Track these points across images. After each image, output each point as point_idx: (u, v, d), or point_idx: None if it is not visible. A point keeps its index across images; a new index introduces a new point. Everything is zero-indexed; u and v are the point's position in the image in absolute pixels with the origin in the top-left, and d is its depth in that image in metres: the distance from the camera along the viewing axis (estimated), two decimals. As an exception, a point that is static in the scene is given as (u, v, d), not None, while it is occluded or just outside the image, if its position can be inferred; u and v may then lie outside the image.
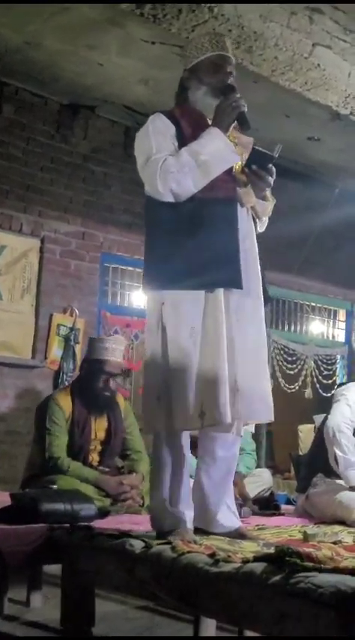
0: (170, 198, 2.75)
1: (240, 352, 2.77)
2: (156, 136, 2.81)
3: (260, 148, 2.83)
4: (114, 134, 6.49)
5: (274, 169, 2.84)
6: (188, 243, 2.75)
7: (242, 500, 4.10)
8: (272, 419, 2.87)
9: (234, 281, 2.77)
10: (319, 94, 5.13)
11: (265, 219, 3.03)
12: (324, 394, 7.89)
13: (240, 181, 2.85)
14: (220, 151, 2.76)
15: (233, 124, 2.83)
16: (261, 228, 3.04)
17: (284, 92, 5.20)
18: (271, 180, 2.84)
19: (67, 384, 5.48)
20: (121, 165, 6.49)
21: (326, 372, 8.01)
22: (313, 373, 7.85)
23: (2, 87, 5.85)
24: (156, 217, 2.85)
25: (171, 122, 2.83)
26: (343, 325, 8.49)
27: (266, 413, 2.86)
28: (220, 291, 2.76)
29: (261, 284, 2.91)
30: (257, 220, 2.98)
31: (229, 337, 2.75)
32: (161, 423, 2.75)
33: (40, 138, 6.06)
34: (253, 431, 3.51)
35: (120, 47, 5.19)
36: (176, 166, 2.72)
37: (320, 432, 4.20)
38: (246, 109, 2.80)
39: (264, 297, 2.92)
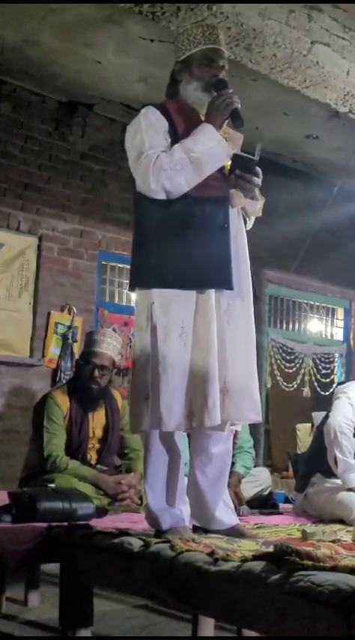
0: (162, 196, 2.72)
1: (229, 353, 2.75)
2: (148, 130, 2.76)
3: (240, 153, 2.81)
4: (112, 132, 6.48)
5: (259, 170, 2.80)
6: (179, 243, 2.72)
7: (237, 502, 4.04)
8: (260, 420, 2.85)
9: (225, 282, 2.74)
10: (318, 92, 5.13)
11: (253, 218, 3.01)
12: (322, 393, 7.90)
13: (230, 182, 2.81)
14: (214, 149, 2.73)
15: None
16: (248, 226, 3.01)
17: (283, 90, 5.20)
18: (257, 181, 2.80)
19: (64, 382, 5.47)
20: (119, 163, 6.47)
21: (324, 371, 8.01)
22: (311, 372, 7.85)
23: (0, 85, 5.83)
24: (146, 215, 2.81)
25: (164, 116, 2.78)
26: (341, 324, 8.49)
27: (255, 414, 2.83)
28: (211, 292, 2.74)
29: (250, 284, 2.89)
30: (248, 220, 2.97)
31: (219, 338, 2.73)
32: (147, 423, 2.72)
33: (38, 136, 6.05)
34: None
35: (118, 45, 5.18)
36: (169, 164, 2.67)
37: (319, 431, 4.19)
38: (239, 106, 2.76)
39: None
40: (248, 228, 3.00)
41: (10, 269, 5.78)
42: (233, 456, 3.62)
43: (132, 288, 2.90)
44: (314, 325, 8.25)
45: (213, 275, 2.73)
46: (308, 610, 1.91)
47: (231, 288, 2.75)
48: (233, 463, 4.31)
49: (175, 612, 3.72)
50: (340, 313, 8.51)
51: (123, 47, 5.20)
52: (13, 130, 5.90)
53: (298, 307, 8.06)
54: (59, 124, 6.18)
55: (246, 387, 2.80)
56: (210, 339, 2.69)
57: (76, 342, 5.93)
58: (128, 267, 6.57)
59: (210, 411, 2.64)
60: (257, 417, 2.83)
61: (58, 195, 6.11)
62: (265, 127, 5.46)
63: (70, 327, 5.97)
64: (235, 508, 3.15)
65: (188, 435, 3.14)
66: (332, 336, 8.45)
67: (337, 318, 8.50)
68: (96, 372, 4.14)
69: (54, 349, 5.92)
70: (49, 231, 6.02)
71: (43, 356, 5.88)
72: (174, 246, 2.72)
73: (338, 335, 8.47)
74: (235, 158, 2.79)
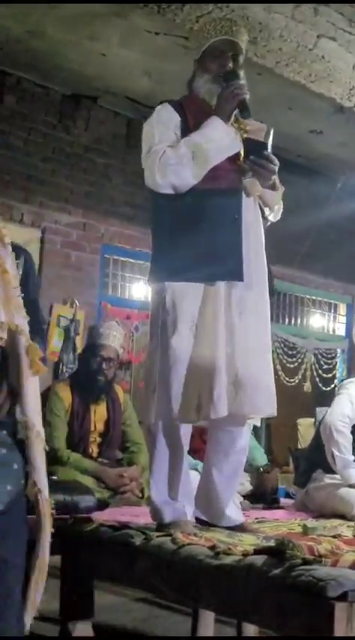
0: (169, 190, 2.73)
1: (241, 345, 2.73)
2: (159, 126, 2.78)
3: (251, 137, 2.79)
4: (116, 125, 6.47)
5: (273, 157, 2.76)
6: (189, 236, 2.73)
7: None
8: (275, 413, 2.82)
9: (235, 273, 2.73)
10: (323, 86, 5.11)
11: (277, 208, 2.97)
12: (324, 388, 7.90)
13: (245, 171, 2.79)
14: (219, 141, 2.73)
15: (235, 112, 2.79)
16: (275, 217, 2.99)
17: (288, 84, 5.18)
18: (273, 167, 2.77)
19: (66, 375, 5.48)
20: (123, 156, 6.47)
21: (326, 366, 8.01)
22: (313, 367, 7.85)
23: (4, 77, 5.82)
24: (159, 210, 2.83)
25: (177, 112, 2.79)
26: (343, 319, 8.49)
27: (269, 407, 2.81)
28: (221, 284, 2.73)
29: (266, 276, 2.87)
30: (267, 210, 2.93)
31: (231, 330, 2.72)
32: (152, 414, 2.74)
33: (42, 128, 6.03)
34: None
35: (123, 38, 5.16)
36: (174, 158, 2.68)
37: (318, 426, 4.19)
38: (247, 96, 2.75)
39: (269, 289, 2.89)
40: (273, 220, 2.98)
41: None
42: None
43: (148, 282, 2.93)
44: (317, 320, 8.24)
45: (223, 267, 2.72)
46: (309, 604, 1.92)
47: (241, 280, 2.73)
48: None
49: (176, 605, 3.73)
50: (342, 309, 8.50)
51: (128, 40, 5.18)
52: (16, 122, 5.89)
53: (300, 302, 8.05)
54: (63, 117, 6.16)
55: (261, 380, 2.77)
56: (217, 332, 2.69)
57: (78, 335, 5.93)
58: (130, 260, 6.67)
59: (215, 404, 2.64)
60: (272, 410, 2.81)
61: (62, 188, 6.10)
62: (269, 121, 5.36)
63: (72, 320, 5.97)
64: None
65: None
66: (334, 331, 8.44)
67: (339, 314, 8.49)
68: (104, 365, 4.17)
69: (56, 342, 5.92)
70: (52, 224, 6.02)
71: (45, 349, 5.87)
72: (184, 239, 2.73)
73: (340, 330, 8.46)
74: (247, 143, 2.77)
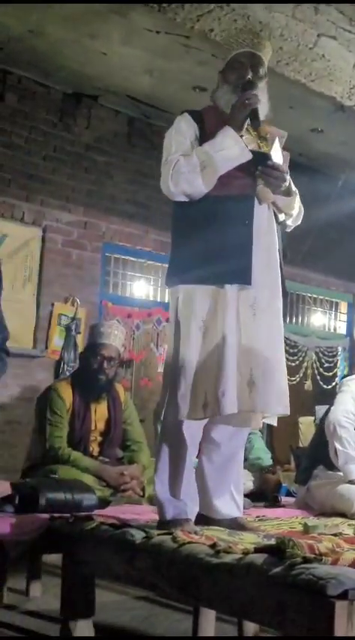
0: (182, 198, 2.85)
1: (255, 346, 2.81)
2: (177, 136, 2.90)
3: (254, 149, 2.85)
4: (117, 124, 6.47)
5: (279, 165, 2.84)
6: (200, 240, 2.83)
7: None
8: (288, 413, 2.88)
9: (243, 277, 2.80)
10: (323, 85, 5.12)
11: (296, 213, 3.05)
12: (325, 386, 7.90)
13: (259, 179, 2.86)
14: (229, 150, 2.80)
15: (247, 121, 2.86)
16: (295, 221, 3.08)
17: (289, 83, 5.18)
18: (279, 174, 2.84)
19: (67, 374, 5.48)
20: (124, 155, 6.47)
21: (327, 365, 8.01)
22: (314, 365, 7.84)
23: (5, 75, 5.82)
24: (176, 216, 2.97)
25: (196, 122, 2.91)
26: (344, 317, 8.48)
27: (282, 407, 2.87)
28: (232, 287, 2.81)
29: (280, 279, 2.94)
30: (281, 215, 2.99)
31: (244, 331, 2.80)
32: (168, 412, 2.83)
33: (43, 127, 6.03)
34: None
35: (124, 36, 5.16)
36: (186, 167, 2.79)
37: (322, 424, 4.20)
38: (259, 106, 2.83)
39: (282, 292, 2.96)
40: (291, 224, 3.07)
41: (13, 260, 5.78)
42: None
43: (165, 285, 3.05)
44: (318, 319, 8.24)
45: (231, 270, 2.79)
46: (310, 603, 1.92)
47: (249, 283, 2.80)
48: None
49: (176, 604, 3.73)
50: (343, 307, 8.50)
51: (128, 39, 5.18)
52: (17, 120, 5.89)
53: (301, 301, 8.05)
54: (64, 115, 6.16)
55: (274, 379, 2.83)
56: (227, 333, 2.76)
57: (80, 333, 5.94)
58: (132, 259, 6.69)
59: (220, 401, 2.70)
60: (285, 410, 2.87)
61: (63, 186, 6.10)
62: (270, 120, 5.43)
63: (73, 319, 5.97)
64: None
65: None
66: (335, 329, 8.44)
67: (340, 312, 8.49)
68: (105, 364, 4.17)
69: (57, 341, 5.92)
70: (53, 223, 6.02)
71: (46, 347, 5.88)
72: (196, 243, 2.83)
73: (342, 329, 8.46)
74: (253, 155, 2.84)
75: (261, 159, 2.82)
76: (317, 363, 7.90)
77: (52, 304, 5.94)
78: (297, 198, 3.03)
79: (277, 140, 2.88)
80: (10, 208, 5.79)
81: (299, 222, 3.10)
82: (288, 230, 3.08)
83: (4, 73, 5.81)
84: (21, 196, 5.85)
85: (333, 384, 7.99)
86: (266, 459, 4.78)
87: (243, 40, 2.93)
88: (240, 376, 2.76)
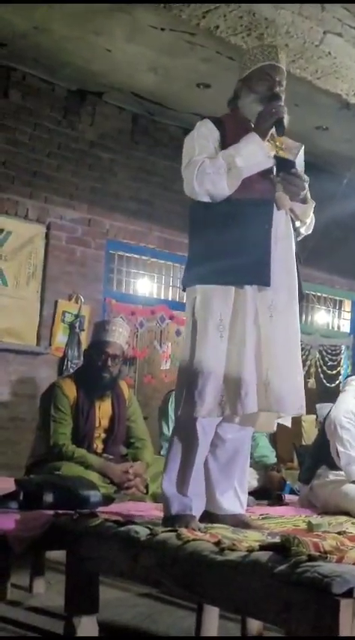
0: (206, 198, 2.89)
1: (271, 347, 2.87)
2: (199, 140, 2.96)
3: (279, 155, 2.94)
4: (121, 121, 6.46)
5: (301, 174, 2.96)
6: (220, 242, 2.89)
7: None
8: (303, 412, 2.94)
9: (262, 278, 2.86)
10: (329, 83, 5.11)
11: (309, 221, 3.14)
12: (328, 385, 7.89)
13: (278, 185, 2.95)
14: (254, 155, 2.88)
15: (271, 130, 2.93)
16: (307, 230, 3.17)
17: (294, 81, 5.15)
18: (301, 183, 2.95)
19: (71, 371, 5.48)
20: (128, 152, 6.47)
21: (330, 363, 8.00)
22: (317, 363, 7.84)
23: (9, 72, 5.82)
24: (196, 217, 3.02)
25: (217, 127, 2.98)
26: (348, 316, 8.47)
27: (297, 406, 2.92)
28: (251, 288, 2.87)
29: (296, 282, 3.00)
30: (298, 222, 3.07)
31: (261, 332, 2.86)
32: (180, 409, 2.87)
33: (47, 124, 6.03)
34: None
35: (129, 33, 5.15)
36: (212, 168, 2.84)
37: (322, 422, 4.19)
38: (284, 116, 2.92)
39: (299, 295, 3.01)
40: (304, 232, 3.16)
41: (17, 257, 5.78)
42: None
43: (183, 285, 3.09)
44: (321, 317, 8.23)
45: (251, 272, 2.86)
46: (314, 601, 1.92)
47: (268, 285, 2.86)
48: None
49: (180, 601, 3.73)
50: (347, 305, 8.49)
51: (133, 35, 5.18)
52: (22, 117, 5.88)
53: (305, 299, 8.02)
54: (68, 112, 6.16)
55: (289, 379, 2.90)
56: (246, 333, 2.83)
57: (83, 330, 5.93)
58: (135, 256, 6.69)
59: (243, 400, 2.77)
60: (300, 409, 2.93)
61: (67, 183, 6.10)
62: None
63: (77, 316, 5.97)
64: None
65: None
66: (338, 328, 8.43)
67: (344, 310, 8.48)
68: (110, 362, 4.18)
69: (61, 338, 5.92)
70: (57, 220, 6.01)
71: (50, 344, 5.89)
72: (216, 245, 2.89)
73: (345, 327, 8.45)
74: (277, 160, 2.93)
75: (285, 165, 2.93)
76: (321, 361, 7.89)
77: (56, 301, 5.94)
78: (313, 206, 3.12)
79: (301, 150, 3.02)
80: (14, 205, 5.79)
81: (310, 232, 3.20)
82: (299, 238, 3.15)
83: (9, 69, 5.80)
84: (25, 193, 5.85)
85: (337, 382, 7.98)
86: (271, 457, 4.79)
87: (269, 53, 3.04)
88: (256, 376, 2.82)
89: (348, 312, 8.48)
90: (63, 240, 6.05)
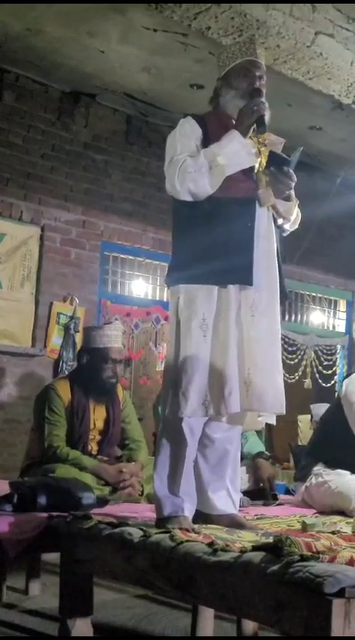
0: (188, 197, 2.87)
1: (253, 346, 2.87)
2: (181, 138, 2.94)
3: (277, 152, 2.94)
4: (115, 122, 6.46)
5: (292, 174, 2.92)
6: (203, 241, 2.87)
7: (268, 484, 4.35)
8: (284, 412, 2.94)
9: (245, 278, 2.85)
10: (321, 83, 5.11)
11: (294, 218, 3.11)
12: (324, 384, 7.90)
13: (260, 182, 2.93)
14: (236, 153, 2.86)
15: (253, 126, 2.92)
16: (292, 226, 3.14)
17: (287, 81, 5.18)
18: (290, 182, 2.93)
19: (66, 372, 5.48)
20: (122, 153, 6.47)
21: (326, 363, 8.01)
22: (313, 363, 7.84)
23: (3, 74, 5.82)
24: (178, 216, 3.01)
25: (199, 125, 2.96)
26: (343, 315, 8.48)
27: (278, 406, 2.92)
28: (233, 287, 2.86)
29: (278, 282, 2.99)
30: (280, 220, 3.04)
31: (243, 332, 2.87)
32: (166, 410, 2.87)
33: (41, 125, 6.03)
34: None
35: (122, 34, 5.16)
36: (194, 167, 2.83)
37: (323, 422, 4.20)
38: (266, 113, 2.89)
39: (281, 295, 3.01)
40: (289, 229, 3.13)
41: (12, 259, 5.78)
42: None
43: (166, 284, 3.10)
44: (317, 317, 8.24)
45: (234, 271, 2.85)
46: (307, 601, 1.92)
47: (251, 284, 2.85)
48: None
49: (175, 602, 3.74)
50: (342, 305, 8.49)
51: (126, 37, 5.18)
52: (15, 119, 5.88)
53: (300, 299, 8.04)
54: (62, 114, 6.16)
55: (270, 379, 2.90)
56: (228, 333, 2.83)
57: (78, 332, 5.93)
58: (130, 257, 6.69)
59: (226, 400, 2.77)
60: (280, 409, 2.93)
61: (61, 185, 6.10)
62: (269, 117, 5.44)
63: (72, 318, 5.97)
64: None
65: None
66: (334, 327, 8.44)
67: (339, 310, 8.48)
68: (116, 367, 4.24)
69: (56, 339, 5.92)
70: (51, 221, 6.01)
71: (45, 346, 5.89)
72: (199, 244, 2.88)
73: (341, 327, 8.46)
74: (272, 155, 2.92)
75: (279, 162, 2.91)
76: (317, 361, 7.90)
77: (51, 303, 5.94)
78: (296, 204, 3.10)
79: (297, 152, 2.98)
80: (9, 207, 5.78)
81: (296, 227, 3.16)
82: (285, 234, 3.14)
83: (2, 71, 5.81)
84: (19, 195, 5.85)
85: (332, 382, 7.99)
86: (259, 448, 4.77)
87: (247, 49, 3.02)
88: (239, 375, 2.83)
89: (343, 311, 8.48)
90: (57, 242, 6.05)
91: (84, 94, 6.21)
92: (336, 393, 4.86)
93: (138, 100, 6.22)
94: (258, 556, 2.13)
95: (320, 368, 7.90)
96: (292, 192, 3.02)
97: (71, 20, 5.01)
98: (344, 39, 4.73)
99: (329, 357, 8.10)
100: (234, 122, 2.94)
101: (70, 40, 5.29)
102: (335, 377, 8.07)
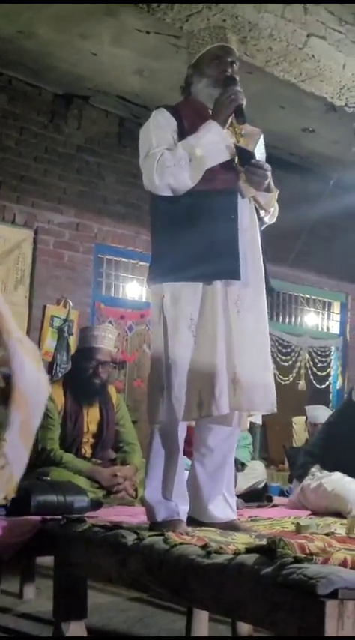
0: (167, 192, 2.77)
1: (239, 343, 2.78)
2: (156, 130, 2.83)
3: (240, 146, 2.84)
4: (108, 124, 6.47)
5: (263, 163, 2.83)
6: (187, 236, 2.77)
7: None
8: (275, 410, 2.85)
9: (232, 272, 2.77)
10: (313, 85, 5.12)
11: (272, 210, 3.02)
12: (318, 386, 7.91)
13: (241, 173, 2.84)
14: (216, 144, 2.78)
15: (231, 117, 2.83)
16: (271, 219, 3.04)
17: (279, 83, 5.19)
18: (263, 172, 2.82)
19: (60, 375, 5.47)
20: (115, 155, 6.47)
21: (320, 364, 8.01)
22: (307, 365, 7.84)
23: (-5, 77, 5.83)
24: (158, 212, 2.88)
25: (173, 116, 2.85)
26: (337, 317, 8.49)
27: (268, 404, 2.84)
28: (219, 283, 2.77)
29: (263, 275, 2.91)
30: (262, 212, 2.96)
31: (229, 329, 2.77)
32: (163, 414, 2.77)
33: (34, 128, 6.03)
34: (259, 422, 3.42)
35: (114, 37, 5.16)
36: (172, 160, 2.73)
37: (329, 425, 4.18)
38: (243, 102, 2.81)
39: (266, 289, 2.93)
40: (268, 221, 3.03)
41: (5, 262, 5.77)
42: None
43: (147, 283, 2.96)
44: (311, 319, 8.24)
45: (220, 266, 2.75)
46: (300, 602, 1.92)
47: (238, 279, 2.76)
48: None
49: (170, 604, 3.73)
50: (336, 306, 8.50)
51: (119, 39, 5.18)
52: (8, 122, 5.88)
53: (294, 300, 8.04)
54: (55, 116, 6.16)
55: (258, 377, 2.81)
56: (216, 330, 2.73)
57: (72, 335, 5.93)
58: (124, 259, 6.67)
59: (217, 401, 2.68)
60: (271, 407, 2.84)
61: (54, 187, 6.10)
62: (261, 119, 5.38)
63: (65, 321, 5.97)
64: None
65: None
66: (328, 329, 8.44)
67: (333, 312, 8.49)
68: (100, 368, 4.17)
69: (50, 342, 5.92)
70: (44, 224, 6.01)
71: (39, 349, 5.87)
72: (182, 239, 2.77)
73: (335, 328, 8.47)
74: (237, 151, 2.82)
75: (244, 156, 2.81)
76: (311, 363, 7.90)
77: (45, 306, 5.94)
78: (276, 195, 2.99)
79: (261, 138, 2.90)
80: (2, 210, 5.78)
81: (274, 220, 3.06)
82: (262, 227, 3.01)
83: (-5, 74, 5.81)
84: (12, 198, 5.84)
85: (326, 384, 8.00)
86: (246, 456, 4.75)
87: (217, 34, 2.92)
88: (226, 374, 2.74)
89: (337, 313, 8.49)
90: (51, 245, 6.05)
91: (77, 96, 6.21)
92: (345, 396, 4.85)
93: (131, 103, 6.23)
94: (251, 558, 2.13)
95: (314, 370, 7.90)
96: (270, 181, 2.89)
97: (63, 23, 5.01)
98: (336, 41, 4.73)
99: (324, 359, 8.10)
100: (209, 111, 2.85)
101: (63, 42, 5.29)
102: (330, 378, 8.08)
